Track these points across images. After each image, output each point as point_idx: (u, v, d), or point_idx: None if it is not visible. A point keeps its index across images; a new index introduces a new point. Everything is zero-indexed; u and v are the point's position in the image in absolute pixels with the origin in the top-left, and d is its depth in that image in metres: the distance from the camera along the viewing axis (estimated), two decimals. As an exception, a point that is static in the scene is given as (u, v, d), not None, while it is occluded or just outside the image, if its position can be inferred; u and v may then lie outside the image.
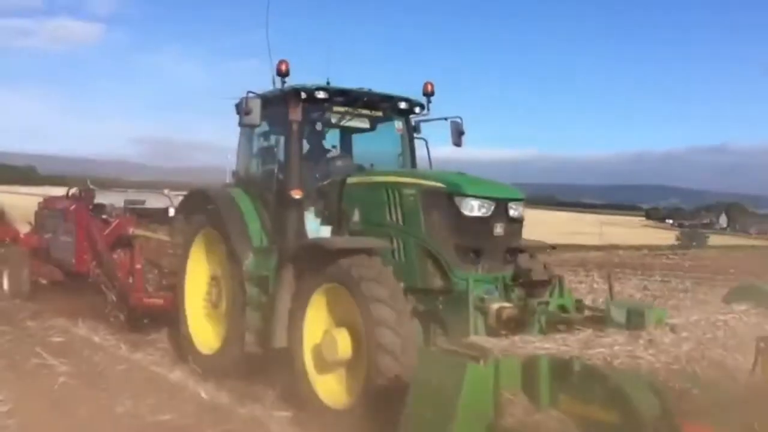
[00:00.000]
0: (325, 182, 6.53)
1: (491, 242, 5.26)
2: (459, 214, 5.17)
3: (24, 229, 12.77)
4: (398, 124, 6.92)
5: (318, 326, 5.47)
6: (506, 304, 4.99)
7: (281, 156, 6.39)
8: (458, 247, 5.21)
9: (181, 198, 11.89)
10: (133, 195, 11.54)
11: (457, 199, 5.19)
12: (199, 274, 7.43)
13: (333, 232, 6.33)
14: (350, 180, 6.21)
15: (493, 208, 5.21)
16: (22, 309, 10.36)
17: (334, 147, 7.34)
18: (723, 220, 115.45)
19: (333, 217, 6.35)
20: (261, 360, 6.20)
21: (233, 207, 6.58)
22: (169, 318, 8.95)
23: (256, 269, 6.29)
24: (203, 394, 6.04)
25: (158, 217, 11.06)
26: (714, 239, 53.77)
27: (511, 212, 5.31)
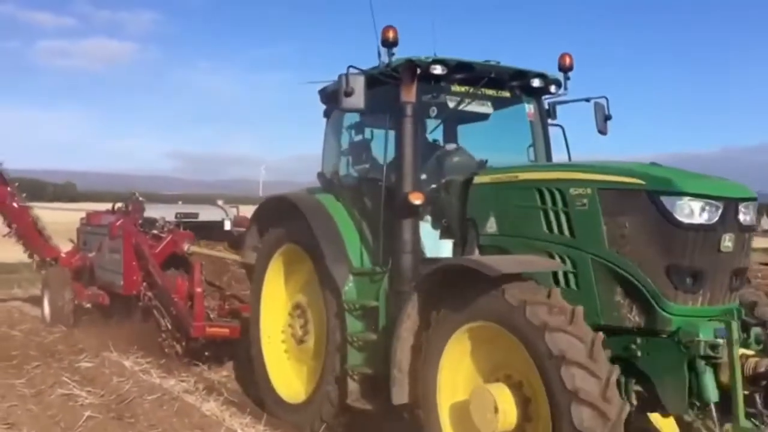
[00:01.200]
0: (440, 183, 5.10)
1: (717, 261, 3.69)
2: (669, 220, 3.63)
3: (65, 247, 11.70)
4: (529, 108, 5.43)
5: (459, 378, 4.02)
6: (749, 352, 3.47)
7: (390, 150, 4.94)
8: (670, 268, 3.66)
9: (234, 210, 10.71)
10: (184, 207, 10.30)
11: (666, 200, 3.65)
12: (276, 301, 6.07)
13: (456, 248, 4.88)
14: (478, 179, 4.75)
15: (720, 211, 3.65)
16: (53, 329, 9.61)
17: (435, 141, 5.89)
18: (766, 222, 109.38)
19: (454, 229, 4.90)
20: (368, 417, 4.78)
21: (325, 218, 5.20)
22: (229, 349, 7.65)
23: (359, 298, 4.89)
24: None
25: (213, 231, 9.82)
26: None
27: (742, 217, 3.75)
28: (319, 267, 5.17)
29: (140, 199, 9.44)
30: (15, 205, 11.23)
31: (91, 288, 10.49)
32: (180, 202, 10.50)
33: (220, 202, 10.75)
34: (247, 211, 9.10)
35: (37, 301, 12.46)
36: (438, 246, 4.89)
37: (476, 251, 4.68)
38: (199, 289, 7.55)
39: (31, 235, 11.38)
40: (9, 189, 11.24)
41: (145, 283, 9.00)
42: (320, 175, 5.91)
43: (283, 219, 5.71)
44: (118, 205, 10.26)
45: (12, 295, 14.30)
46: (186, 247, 8.83)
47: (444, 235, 4.95)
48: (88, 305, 10.62)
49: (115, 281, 9.54)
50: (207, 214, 10.23)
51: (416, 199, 4.50)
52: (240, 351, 7.20)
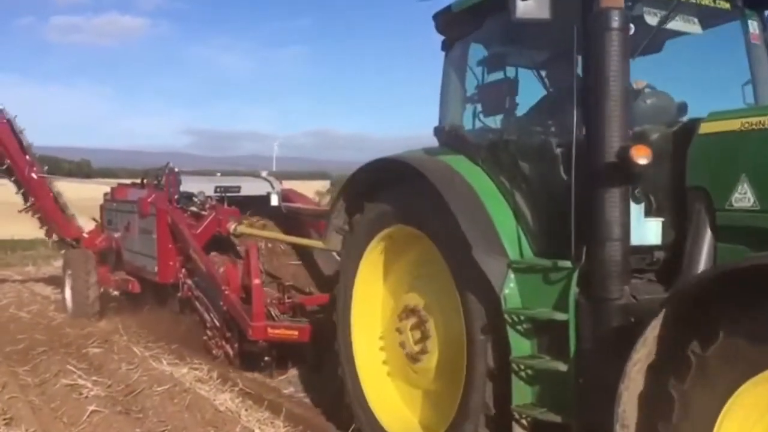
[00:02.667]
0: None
1: None
2: None
3: (88, 226, 10.29)
4: (754, 26, 3.77)
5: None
6: None
7: (564, 90, 3.32)
8: None
9: (279, 183, 9.16)
10: (224, 180, 8.73)
11: None
12: (373, 301, 4.57)
13: (667, 231, 3.30)
14: (709, 127, 3.14)
15: None
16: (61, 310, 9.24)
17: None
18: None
19: (662, 202, 3.32)
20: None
21: (464, 189, 3.63)
22: (294, 352, 6.19)
23: (530, 305, 3.33)
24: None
25: (258, 207, 8.32)
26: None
27: None
28: (456, 259, 3.61)
29: (176, 170, 7.90)
30: (34, 176, 9.77)
31: (118, 273, 9.09)
32: (219, 174, 8.95)
33: (264, 173, 9.19)
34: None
35: (49, 281, 12.09)
36: (643, 229, 3.30)
37: (708, 235, 3.10)
38: (257, 280, 6.04)
39: (50, 210, 9.95)
40: (28, 158, 9.77)
41: (184, 270, 7.54)
42: (439, 131, 4.31)
43: (389, 191, 4.15)
44: (149, 178, 8.76)
45: (26, 274, 13.68)
46: (232, 226, 7.33)
47: (650, 212, 3.35)
48: (116, 293, 9.25)
49: (148, 267, 8.09)
50: (250, 187, 8.69)
51: (642, 157, 2.88)
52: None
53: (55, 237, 10.13)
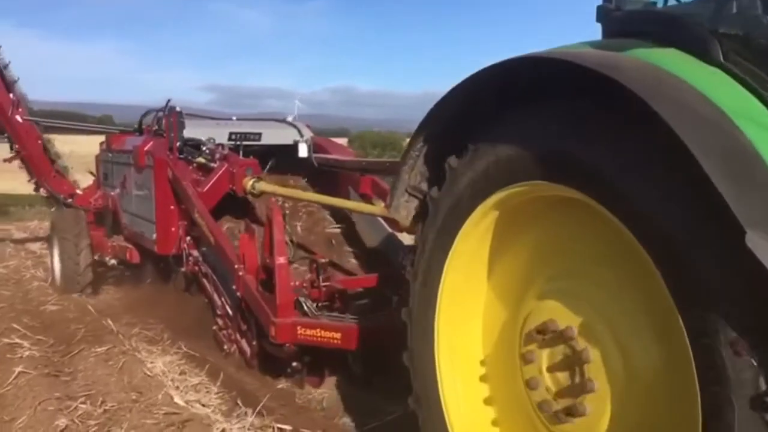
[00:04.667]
0: None
1: None
2: None
3: (86, 181, 8.69)
4: None
5: None
6: None
7: None
8: None
9: (309, 130, 7.34)
10: (240, 126, 6.91)
11: None
12: (475, 303, 2.80)
13: None
14: None
15: None
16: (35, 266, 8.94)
17: None
18: None
19: None
20: None
21: (708, 111, 1.77)
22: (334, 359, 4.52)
23: None
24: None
25: (284, 159, 6.58)
26: None
27: None
28: (680, 247, 1.78)
29: (177, 109, 6.11)
30: (18, 118, 8.07)
31: (115, 238, 7.49)
32: (234, 118, 7.14)
33: (290, 118, 7.36)
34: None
35: (33, 232, 11.69)
36: None
37: None
38: (282, 258, 4.29)
39: (38, 161, 8.30)
40: (12, 96, 8.05)
41: (189, 238, 5.88)
42: (610, 13, 2.42)
43: (520, 120, 2.32)
44: (146, 120, 7.02)
45: (25, 230, 12.54)
46: (249, 182, 5.58)
47: None
48: (113, 261, 7.66)
49: (146, 233, 6.46)
50: (273, 134, 6.89)
51: None
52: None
53: (43, 192, 8.51)
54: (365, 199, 6.18)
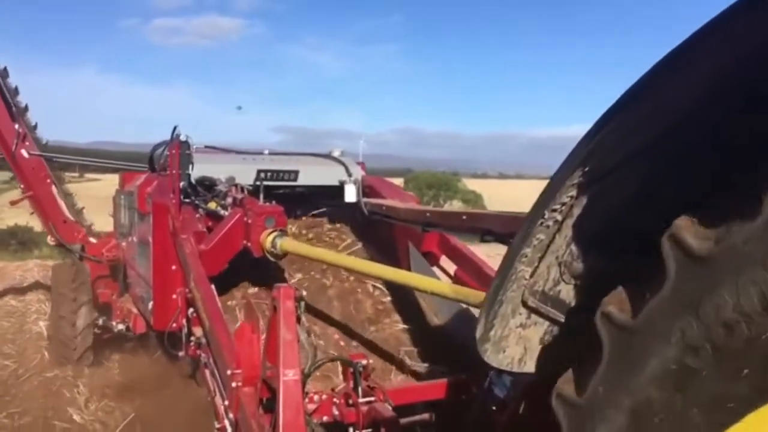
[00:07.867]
0: None
1: None
2: None
3: (109, 226, 7.41)
4: None
5: None
6: None
7: None
8: None
9: (360, 168, 5.72)
10: (274, 162, 5.37)
11: None
12: None
13: None
14: None
15: None
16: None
17: None
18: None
19: None
20: None
21: None
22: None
23: None
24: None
25: (326, 204, 4.99)
26: None
27: None
28: None
29: (184, 138, 4.64)
30: (24, 153, 6.81)
31: (124, 301, 6.09)
32: (266, 152, 5.61)
33: (336, 153, 5.78)
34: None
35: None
36: None
37: None
38: (290, 373, 2.60)
39: (45, 204, 7.01)
40: (17, 127, 6.79)
41: (191, 311, 4.31)
42: None
43: None
44: (157, 156, 5.63)
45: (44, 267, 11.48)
46: (269, 238, 3.97)
47: None
48: (120, 327, 6.19)
49: (145, 299, 4.98)
50: (313, 173, 5.31)
51: None
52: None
53: (51, 240, 7.24)
54: (430, 258, 4.50)
